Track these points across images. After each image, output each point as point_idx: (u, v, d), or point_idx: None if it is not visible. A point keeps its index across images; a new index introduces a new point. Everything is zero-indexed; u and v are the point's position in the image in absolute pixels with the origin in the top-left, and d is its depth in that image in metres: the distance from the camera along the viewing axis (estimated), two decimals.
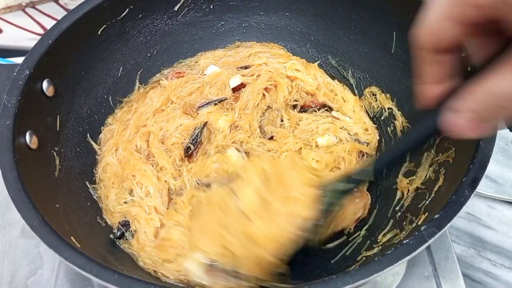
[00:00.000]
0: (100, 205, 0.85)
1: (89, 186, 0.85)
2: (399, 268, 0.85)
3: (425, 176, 0.78)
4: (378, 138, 0.93)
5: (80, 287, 0.84)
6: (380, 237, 0.76)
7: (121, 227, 0.81)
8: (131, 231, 0.81)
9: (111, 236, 0.80)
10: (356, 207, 0.83)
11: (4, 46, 1.31)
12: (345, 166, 0.87)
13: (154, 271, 0.76)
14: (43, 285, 0.89)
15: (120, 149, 0.89)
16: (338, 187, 0.66)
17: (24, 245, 0.95)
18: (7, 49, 1.29)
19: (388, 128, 0.92)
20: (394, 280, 0.85)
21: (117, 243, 0.80)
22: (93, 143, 0.90)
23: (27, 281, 0.90)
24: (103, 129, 0.93)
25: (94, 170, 0.89)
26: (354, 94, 0.99)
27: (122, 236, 0.81)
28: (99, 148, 0.91)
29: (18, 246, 0.95)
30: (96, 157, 0.90)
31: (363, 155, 0.90)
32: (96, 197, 0.85)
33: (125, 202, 0.84)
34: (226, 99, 0.93)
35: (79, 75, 0.87)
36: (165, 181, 0.85)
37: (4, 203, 0.97)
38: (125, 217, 0.82)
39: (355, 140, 0.91)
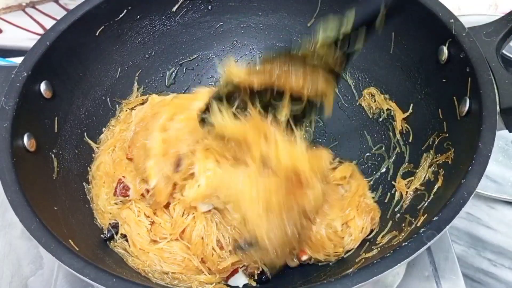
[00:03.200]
0: (91, 205, 0.84)
1: (86, 187, 0.85)
2: (399, 268, 0.85)
3: (424, 177, 0.78)
4: None
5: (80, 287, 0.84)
6: (379, 238, 0.76)
7: (111, 228, 0.81)
8: (122, 234, 0.80)
9: (102, 236, 0.80)
10: (364, 223, 0.81)
11: (4, 46, 1.31)
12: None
13: (144, 271, 0.76)
14: (43, 285, 0.90)
15: (117, 148, 0.89)
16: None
17: (24, 245, 0.95)
18: (7, 49, 1.29)
19: (387, 130, 0.92)
20: (394, 280, 0.85)
21: (108, 244, 0.80)
22: (91, 142, 0.90)
23: (27, 281, 0.91)
24: (104, 130, 0.93)
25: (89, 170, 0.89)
26: (353, 96, 0.99)
27: (112, 237, 0.81)
28: (97, 147, 0.91)
29: (18, 246, 0.95)
30: (93, 155, 0.90)
31: None
32: (89, 198, 0.85)
33: (115, 203, 0.84)
34: None
35: (77, 77, 0.87)
36: None
37: (4, 203, 0.97)
38: (115, 219, 0.82)
39: None
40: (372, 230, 0.81)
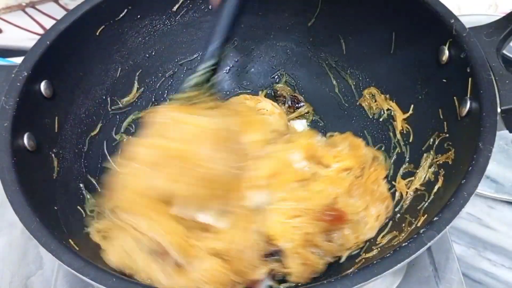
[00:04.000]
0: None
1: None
2: (399, 268, 0.85)
3: (424, 178, 0.78)
4: None
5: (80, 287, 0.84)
6: (379, 238, 0.76)
7: None
8: None
9: None
10: (378, 210, 0.80)
11: (4, 46, 1.31)
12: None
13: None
14: (43, 285, 0.90)
15: None
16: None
17: (24, 245, 0.95)
18: (7, 49, 1.29)
19: (387, 130, 0.92)
20: (394, 280, 0.85)
21: None
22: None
23: (27, 281, 0.91)
24: None
25: None
26: (353, 96, 1.00)
27: None
28: None
29: (18, 246, 0.95)
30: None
31: None
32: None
33: None
34: None
35: (77, 76, 0.87)
36: None
37: (4, 203, 0.97)
38: None
39: None
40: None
